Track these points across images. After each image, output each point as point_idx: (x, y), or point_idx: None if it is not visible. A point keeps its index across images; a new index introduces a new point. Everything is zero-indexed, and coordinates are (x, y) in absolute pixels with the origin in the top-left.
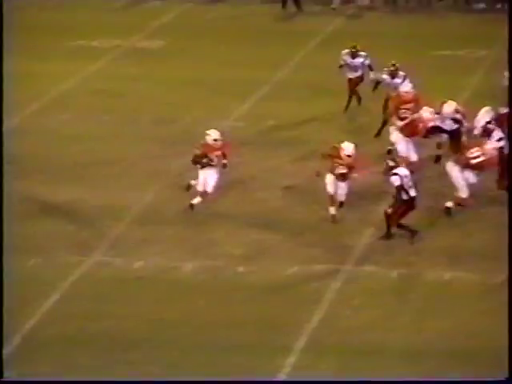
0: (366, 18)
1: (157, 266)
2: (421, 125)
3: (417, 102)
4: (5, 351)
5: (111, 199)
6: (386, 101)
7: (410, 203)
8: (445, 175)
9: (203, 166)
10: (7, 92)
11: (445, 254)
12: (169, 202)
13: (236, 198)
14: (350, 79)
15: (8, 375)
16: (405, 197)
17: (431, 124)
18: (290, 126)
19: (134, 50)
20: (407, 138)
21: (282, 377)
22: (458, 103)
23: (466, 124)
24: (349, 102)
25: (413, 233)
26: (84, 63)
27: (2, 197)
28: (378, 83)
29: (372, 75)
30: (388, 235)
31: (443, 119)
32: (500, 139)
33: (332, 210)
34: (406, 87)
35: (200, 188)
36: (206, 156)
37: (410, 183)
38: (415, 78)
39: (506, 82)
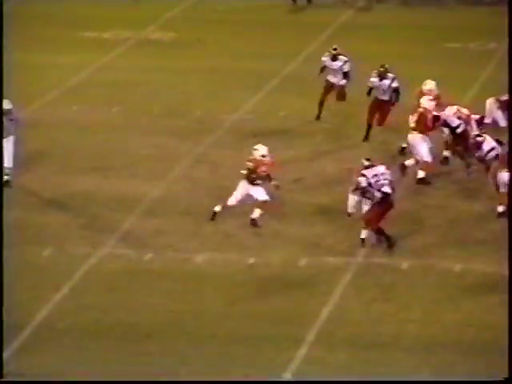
0: (376, 10)
1: (168, 258)
2: (429, 115)
3: (439, 101)
4: (16, 342)
5: (123, 191)
6: (373, 104)
7: (385, 201)
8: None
9: (252, 182)
10: (20, 83)
11: (455, 245)
12: (180, 194)
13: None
14: (327, 82)
15: (19, 367)
16: (378, 195)
17: (435, 113)
18: (300, 118)
19: (147, 42)
20: (423, 136)
21: (292, 369)
22: (462, 103)
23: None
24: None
25: (390, 243)
26: (96, 55)
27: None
28: (371, 88)
29: (342, 82)
30: (388, 241)
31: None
32: (491, 149)
33: (363, 234)
34: (430, 85)
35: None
36: (254, 172)
37: (385, 181)
38: (424, 70)
39: None
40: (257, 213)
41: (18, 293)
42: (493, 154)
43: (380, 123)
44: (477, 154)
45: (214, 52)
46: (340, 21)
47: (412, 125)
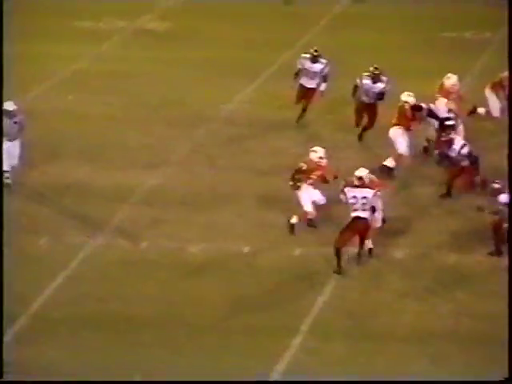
0: (371, 0)
1: (164, 248)
2: (407, 106)
3: (459, 96)
4: (12, 331)
5: (119, 181)
6: (359, 107)
7: (355, 225)
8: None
9: (296, 184)
10: (15, 73)
11: (450, 236)
12: (176, 184)
13: (242, 180)
14: (302, 86)
15: (14, 356)
16: (353, 214)
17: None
18: (296, 107)
19: (142, 32)
20: (404, 131)
21: (287, 357)
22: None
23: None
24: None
25: (337, 269)
26: (92, 45)
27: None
28: (356, 87)
29: (322, 87)
30: (337, 266)
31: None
32: (463, 146)
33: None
34: (453, 79)
35: (308, 208)
36: (308, 173)
37: (362, 206)
38: (419, 60)
39: None
40: (313, 213)
41: (14, 282)
42: (465, 150)
43: (304, 109)
44: (450, 154)
45: (210, 42)
46: (336, 10)
47: (393, 120)
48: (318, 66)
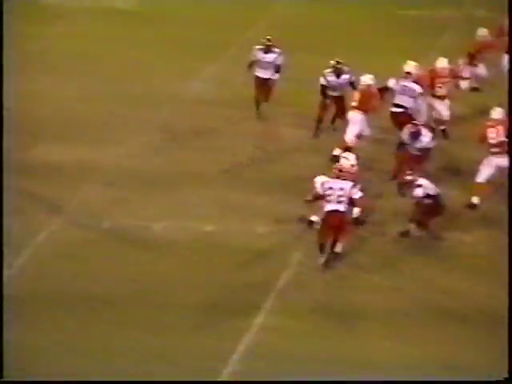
0: None
1: (127, 226)
2: (371, 93)
3: (453, 78)
4: None
5: (83, 159)
6: (325, 103)
7: (328, 219)
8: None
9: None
10: None
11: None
12: (139, 162)
13: (206, 159)
14: (258, 78)
15: None
16: (324, 209)
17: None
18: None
19: (109, 11)
20: (363, 116)
21: (250, 336)
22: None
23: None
24: (257, 106)
25: (325, 262)
26: (58, 24)
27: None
28: (324, 87)
29: (275, 77)
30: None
31: (403, 90)
32: (432, 139)
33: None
34: (443, 63)
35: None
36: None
37: (338, 198)
38: (380, 39)
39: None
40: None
41: None
42: (430, 144)
43: (266, 100)
44: (415, 145)
45: (176, 21)
46: None
47: (354, 103)
48: (270, 56)
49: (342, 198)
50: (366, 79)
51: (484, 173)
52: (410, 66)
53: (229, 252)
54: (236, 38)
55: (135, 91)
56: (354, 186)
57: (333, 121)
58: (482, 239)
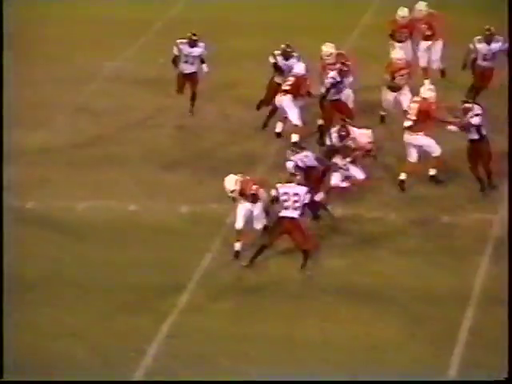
0: None
1: (50, 207)
2: (304, 81)
3: (410, 69)
4: None
5: (7, 140)
6: (271, 87)
7: (280, 224)
8: None
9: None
10: None
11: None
12: (62, 143)
13: (129, 138)
14: (183, 74)
15: None
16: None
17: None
18: None
19: None
20: (294, 100)
21: (174, 316)
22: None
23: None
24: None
25: (250, 261)
26: None
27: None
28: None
29: (205, 68)
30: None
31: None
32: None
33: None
34: (399, 54)
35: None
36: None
37: (293, 204)
38: (301, 18)
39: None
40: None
41: None
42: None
43: (192, 98)
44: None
45: (98, 1)
46: None
47: (286, 87)
48: (197, 50)
49: (296, 204)
50: (299, 67)
51: (412, 152)
52: (330, 47)
53: (152, 232)
54: (158, 17)
55: (56, 70)
56: (307, 192)
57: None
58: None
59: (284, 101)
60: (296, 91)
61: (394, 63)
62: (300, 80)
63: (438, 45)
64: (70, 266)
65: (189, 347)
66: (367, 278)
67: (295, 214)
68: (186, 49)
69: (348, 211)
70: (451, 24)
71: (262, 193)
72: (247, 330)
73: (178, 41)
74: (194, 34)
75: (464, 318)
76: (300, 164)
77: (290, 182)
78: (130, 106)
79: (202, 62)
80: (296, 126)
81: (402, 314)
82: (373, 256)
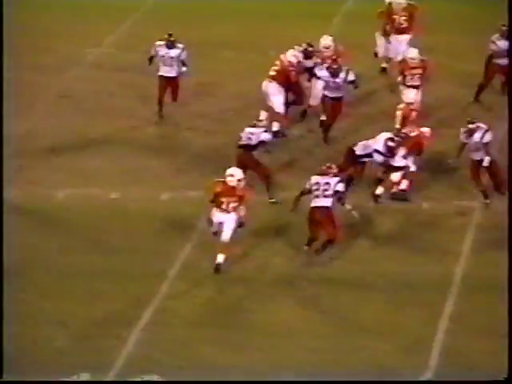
0: None
1: (31, 194)
2: (292, 69)
3: (424, 68)
4: None
5: None
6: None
7: (312, 213)
8: None
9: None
10: None
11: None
12: (44, 130)
13: (110, 126)
14: (163, 78)
15: None
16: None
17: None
18: None
19: None
20: (280, 87)
21: (155, 303)
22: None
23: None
24: (160, 107)
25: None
26: None
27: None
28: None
29: (185, 72)
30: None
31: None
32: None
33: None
34: (326, 41)
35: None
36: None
37: (324, 192)
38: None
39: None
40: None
41: None
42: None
43: (174, 99)
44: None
45: None
46: None
47: (272, 73)
48: (175, 52)
49: (327, 193)
50: (290, 55)
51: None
52: (328, 40)
53: (133, 219)
54: (137, 3)
55: (39, 57)
56: (339, 180)
57: None
58: None
59: (269, 87)
60: (283, 79)
61: (407, 62)
62: (287, 68)
63: (408, 38)
64: (51, 253)
65: (170, 334)
66: (349, 265)
67: (326, 202)
68: (163, 50)
69: None
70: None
71: (242, 209)
72: (228, 317)
73: (157, 42)
74: (170, 35)
75: (445, 306)
76: (243, 138)
77: (325, 174)
78: (111, 93)
79: (184, 64)
80: (278, 113)
81: (384, 301)
82: (354, 243)
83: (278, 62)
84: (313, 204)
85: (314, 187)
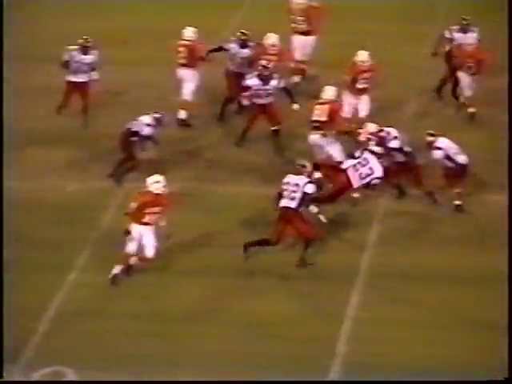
0: None
1: None
2: (196, 48)
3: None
4: None
5: None
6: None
7: (281, 215)
8: None
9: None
10: None
11: None
12: (4, 122)
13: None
14: (70, 83)
15: None
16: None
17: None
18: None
19: None
20: (194, 72)
21: (62, 293)
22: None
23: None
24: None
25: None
26: None
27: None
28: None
29: (94, 76)
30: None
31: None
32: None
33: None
34: (362, 56)
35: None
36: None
37: (291, 194)
38: None
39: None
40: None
41: None
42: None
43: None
44: None
45: None
46: None
47: (181, 60)
48: (89, 57)
49: (295, 194)
50: (188, 33)
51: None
52: (273, 38)
53: (38, 210)
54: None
55: (18, 51)
56: (308, 182)
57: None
58: None
59: (183, 73)
60: (190, 60)
61: (358, 66)
62: (190, 48)
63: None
64: None
65: (79, 324)
66: (325, 254)
67: (290, 203)
68: (77, 56)
69: None
70: None
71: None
72: (140, 307)
73: (70, 47)
74: (88, 40)
75: (351, 295)
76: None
77: (300, 174)
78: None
79: (92, 69)
80: (185, 100)
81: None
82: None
83: (181, 49)
84: (280, 204)
85: (284, 187)
